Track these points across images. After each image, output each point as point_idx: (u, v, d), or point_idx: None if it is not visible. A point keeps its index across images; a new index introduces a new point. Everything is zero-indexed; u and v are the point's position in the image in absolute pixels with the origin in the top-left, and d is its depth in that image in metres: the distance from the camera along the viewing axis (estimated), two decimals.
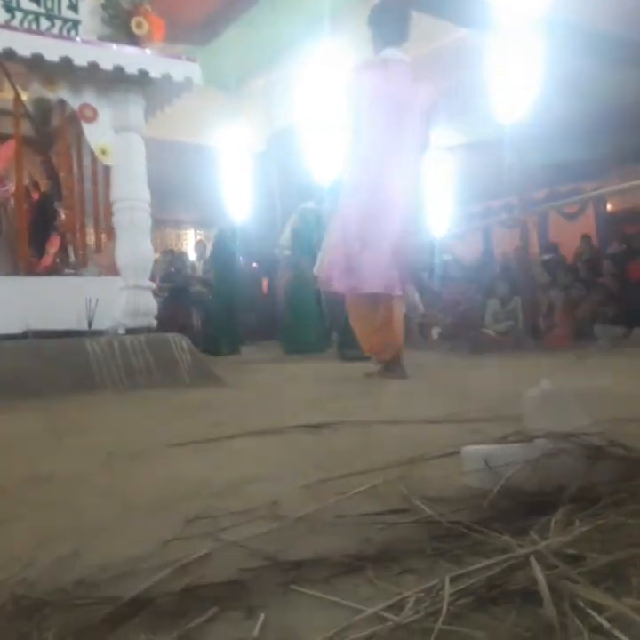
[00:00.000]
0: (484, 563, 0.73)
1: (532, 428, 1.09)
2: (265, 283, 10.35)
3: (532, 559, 0.72)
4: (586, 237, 9.14)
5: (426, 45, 6.30)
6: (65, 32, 3.71)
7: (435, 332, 8.22)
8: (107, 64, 3.63)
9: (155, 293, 4.00)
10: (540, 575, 0.67)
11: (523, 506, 0.97)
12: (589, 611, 0.63)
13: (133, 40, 3.78)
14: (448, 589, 0.67)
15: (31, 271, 4.01)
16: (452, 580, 0.69)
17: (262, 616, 0.70)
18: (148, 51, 3.81)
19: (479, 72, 6.45)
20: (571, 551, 0.77)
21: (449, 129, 8.60)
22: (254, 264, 10.01)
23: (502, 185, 8.33)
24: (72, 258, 4.46)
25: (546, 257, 8.82)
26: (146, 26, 3.81)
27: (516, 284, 7.36)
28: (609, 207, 10.27)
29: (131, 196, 3.85)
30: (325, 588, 0.77)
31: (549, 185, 9.71)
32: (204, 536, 0.98)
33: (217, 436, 1.85)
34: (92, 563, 0.89)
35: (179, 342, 3.68)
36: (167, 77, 3.80)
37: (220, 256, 7.35)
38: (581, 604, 0.64)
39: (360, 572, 0.82)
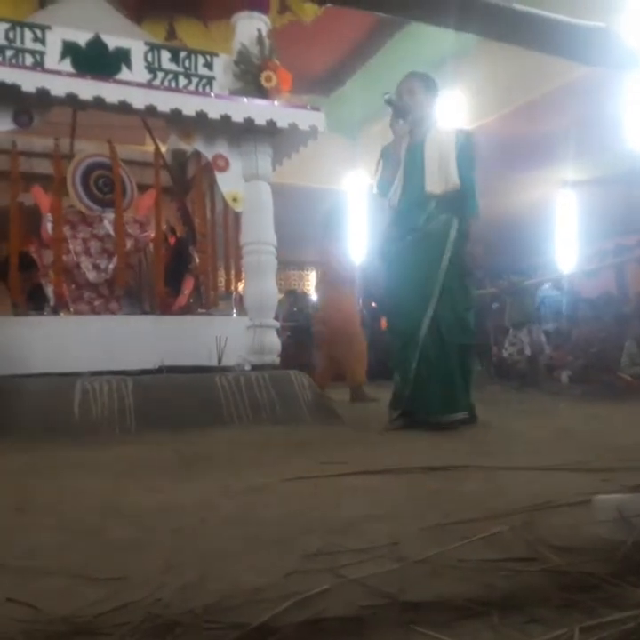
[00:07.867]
0: (618, 616, 0.69)
1: None
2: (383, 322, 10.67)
3: None
4: None
5: (552, 82, 6.21)
6: (200, 88, 3.99)
7: (564, 376, 7.80)
8: (238, 116, 3.86)
9: (278, 332, 4.13)
10: None
11: None
12: None
13: (262, 92, 4.01)
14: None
15: (167, 310, 4.28)
16: (583, 631, 0.66)
17: None
18: (275, 102, 4.02)
19: (607, 107, 6.23)
20: None
21: (576, 164, 8.33)
22: (373, 303, 10.11)
23: (636, 221, 7.90)
24: (204, 298, 4.70)
25: None
26: (274, 79, 4.03)
27: None
28: None
29: (259, 239, 4.03)
30: (446, 631, 0.76)
31: None
32: (324, 571, 0.99)
33: (337, 472, 1.86)
34: (219, 588, 0.93)
35: (300, 379, 3.76)
36: (293, 127, 3.99)
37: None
38: None
39: (483, 617, 0.79)
